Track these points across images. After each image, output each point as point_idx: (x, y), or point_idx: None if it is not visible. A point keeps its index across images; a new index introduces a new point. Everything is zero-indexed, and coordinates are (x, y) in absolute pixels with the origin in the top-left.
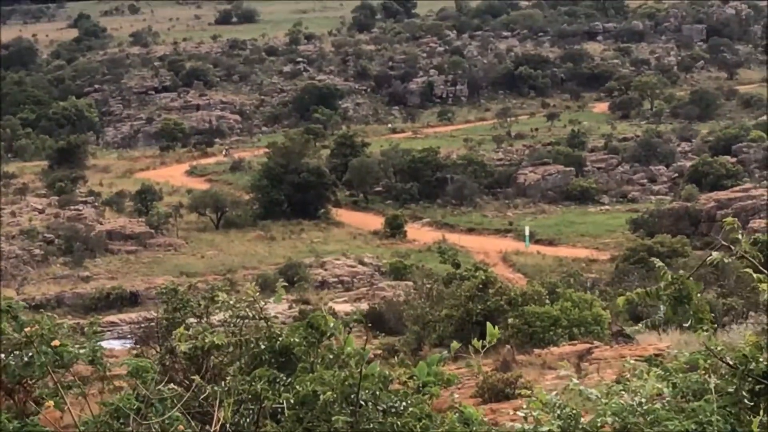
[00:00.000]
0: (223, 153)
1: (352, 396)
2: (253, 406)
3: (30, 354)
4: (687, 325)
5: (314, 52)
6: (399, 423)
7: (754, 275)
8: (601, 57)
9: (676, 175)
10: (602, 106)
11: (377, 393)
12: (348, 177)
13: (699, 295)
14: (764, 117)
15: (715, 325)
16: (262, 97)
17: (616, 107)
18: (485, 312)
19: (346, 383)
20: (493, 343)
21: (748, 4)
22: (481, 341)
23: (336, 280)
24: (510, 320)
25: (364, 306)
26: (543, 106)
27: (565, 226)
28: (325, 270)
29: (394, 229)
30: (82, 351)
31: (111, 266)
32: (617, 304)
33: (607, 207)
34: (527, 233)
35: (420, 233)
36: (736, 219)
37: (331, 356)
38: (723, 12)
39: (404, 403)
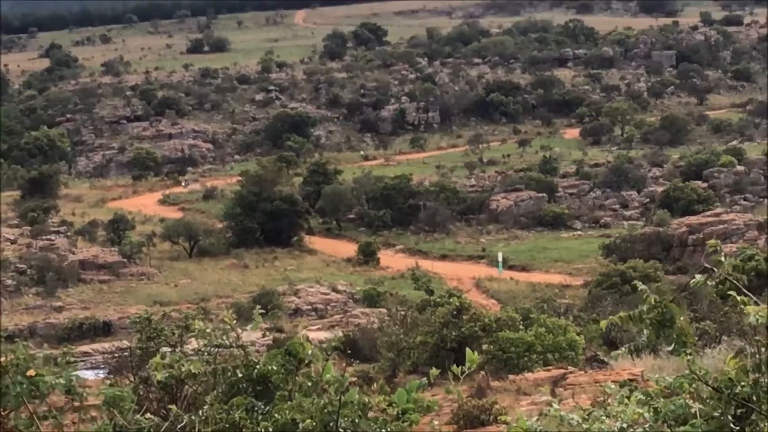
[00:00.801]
0: (183, 184)
1: (331, 424)
2: None
3: (6, 384)
4: (670, 349)
5: (286, 80)
6: None
7: (738, 297)
8: (571, 83)
9: (648, 200)
10: (573, 132)
11: (356, 420)
12: (321, 204)
13: (682, 318)
14: (734, 142)
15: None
16: (235, 125)
17: (587, 133)
18: (459, 338)
19: (326, 411)
20: (472, 369)
21: (717, 30)
22: (460, 367)
23: (310, 307)
24: (484, 346)
25: (338, 333)
26: (514, 133)
27: (538, 252)
28: (299, 298)
29: (368, 256)
30: (57, 381)
31: (84, 296)
32: (600, 326)
33: (579, 232)
34: (500, 259)
35: (393, 260)
36: (719, 241)
37: (309, 384)
38: (692, 38)
39: (384, 431)
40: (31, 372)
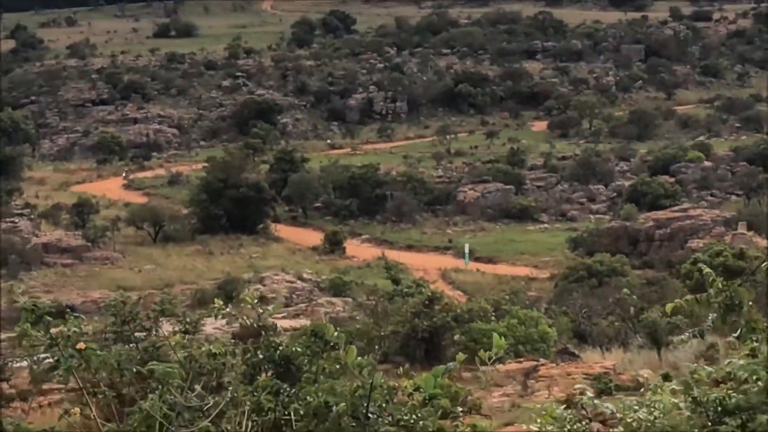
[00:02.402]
0: (124, 175)
1: (361, 408)
2: (257, 418)
3: (56, 357)
4: (736, 335)
5: (253, 67)
6: None
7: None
8: (540, 76)
9: (615, 194)
10: (541, 125)
11: (383, 405)
12: (287, 192)
13: (750, 303)
14: (702, 138)
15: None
16: (201, 111)
17: (554, 126)
18: (431, 328)
19: (356, 394)
20: (499, 355)
21: (686, 26)
22: (488, 352)
23: (275, 295)
24: (456, 337)
25: (304, 322)
26: (482, 124)
27: (505, 244)
28: (264, 285)
29: (334, 245)
30: (108, 355)
31: (47, 279)
32: (666, 310)
33: (546, 225)
34: (467, 251)
35: (359, 250)
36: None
37: (337, 366)
38: (661, 33)
39: (413, 416)
40: (81, 345)
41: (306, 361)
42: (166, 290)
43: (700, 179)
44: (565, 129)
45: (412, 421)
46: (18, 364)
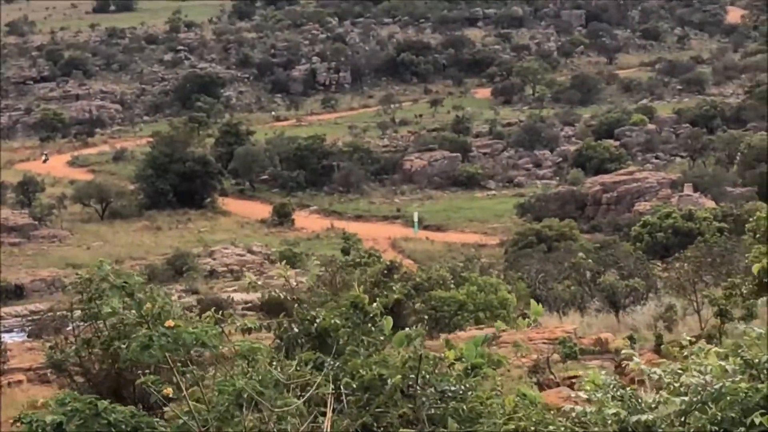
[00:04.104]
0: (42, 158)
1: (410, 380)
2: (302, 393)
3: (149, 336)
4: None
5: (195, 40)
6: (465, 408)
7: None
8: (482, 43)
9: (561, 159)
10: (484, 92)
11: (427, 376)
12: (234, 165)
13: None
14: (644, 101)
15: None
16: (143, 86)
17: (498, 93)
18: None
19: (407, 366)
20: (537, 321)
21: None
22: (526, 319)
23: (225, 269)
24: (416, 305)
25: (255, 295)
26: (426, 93)
27: (453, 212)
28: (214, 259)
29: (282, 217)
30: (200, 332)
31: None
32: (753, 271)
33: (493, 192)
34: (416, 219)
35: (308, 221)
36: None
37: (381, 338)
38: None
39: (461, 387)
40: (170, 323)
41: (346, 333)
42: (115, 266)
43: (644, 142)
44: (509, 95)
45: (461, 391)
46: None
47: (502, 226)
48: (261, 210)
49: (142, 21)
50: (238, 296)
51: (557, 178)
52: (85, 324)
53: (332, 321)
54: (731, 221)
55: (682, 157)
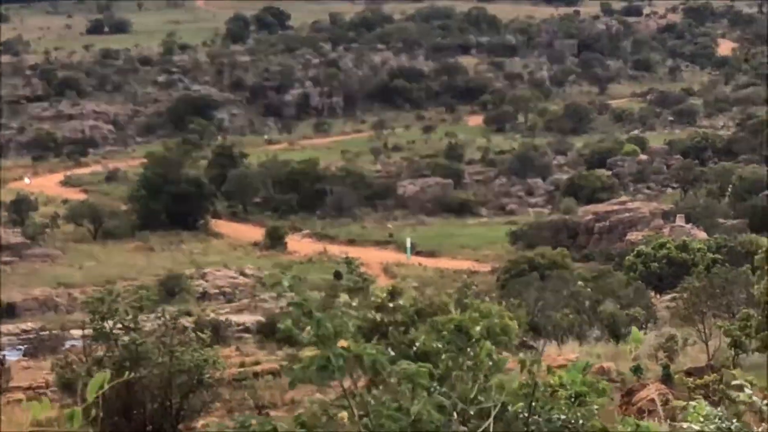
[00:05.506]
0: (26, 180)
1: (525, 409)
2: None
3: (325, 356)
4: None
5: (189, 63)
6: None
7: None
8: (475, 71)
9: (553, 187)
10: (477, 120)
11: (534, 405)
12: (227, 188)
13: None
14: (636, 131)
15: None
16: (136, 107)
17: (490, 120)
18: (393, 322)
19: (521, 393)
20: (639, 349)
21: (618, 20)
22: (629, 346)
23: (217, 291)
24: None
25: (250, 318)
26: (418, 119)
27: (445, 238)
28: (207, 281)
29: (275, 240)
30: (377, 353)
31: None
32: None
33: (485, 219)
34: (408, 245)
35: (300, 245)
36: None
37: (490, 363)
38: (593, 27)
39: (574, 417)
40: (343, 343)
41: (450, 358)
42: (107, 287)
43: (636, 172)
44: (501, 123)
45: (572, 421)
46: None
47: (494, 254)
48: (253, 233)
49: (136, 43)
50: (236, 318)
51: (549, 206)
52: (97, 343)
53: (433, 345)
54: (725, 252)
55: (673, 188)
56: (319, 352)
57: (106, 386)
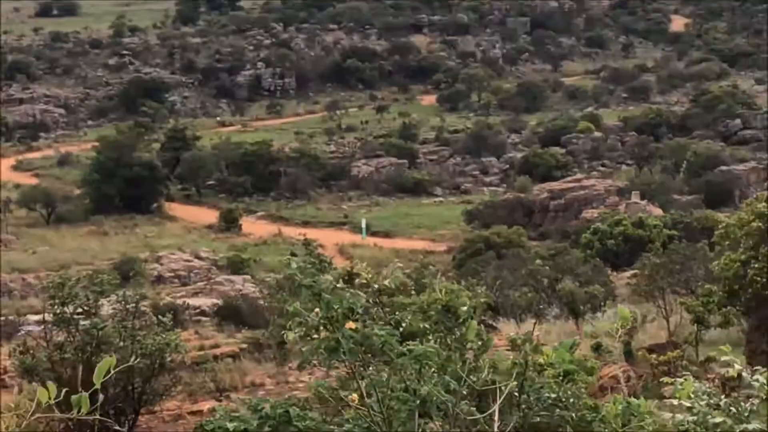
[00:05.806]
0: None
1: (518, 388)
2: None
3: (334, 338)
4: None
5: (139, 45)
6: (574, 416)
7: None
8: (427, 50)
9: (507, 166)
10: (430, 99)
11: (525, 383)
12: (180, 171)
13: None
14: (590, 108)
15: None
16: (87, 90)
17: (444, 100)
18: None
19: (515, 372)
20: (627, 327)
21: None
22: (615, 324)
23: (172, 274)
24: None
25: (207, 300)
26: (371, 99)
27: (401, 218)
28: (161, 265)
29: (229, 222)
30: (387, 335)
31: None
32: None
33: (440, 199)
34: (364, 225)
35: (255, 227)
36: None
37: (479, 343)
38: (546, 5)
39: (564, 395)
40: (351, 324)
41: (437, 338)
42: (61, 272)
43: (590, 150)
44: (455, 102)
45: (563, 399)
46: None
47: (449, 233)
48: (208, 215)
49: (86, 25)
50: (194, 301)
51: (504, 185)
52: (56, 328)
53: (420, 325)
54: (681, 229)
55: (628, 164)
56: (328, 333)
57: (113, 371)
